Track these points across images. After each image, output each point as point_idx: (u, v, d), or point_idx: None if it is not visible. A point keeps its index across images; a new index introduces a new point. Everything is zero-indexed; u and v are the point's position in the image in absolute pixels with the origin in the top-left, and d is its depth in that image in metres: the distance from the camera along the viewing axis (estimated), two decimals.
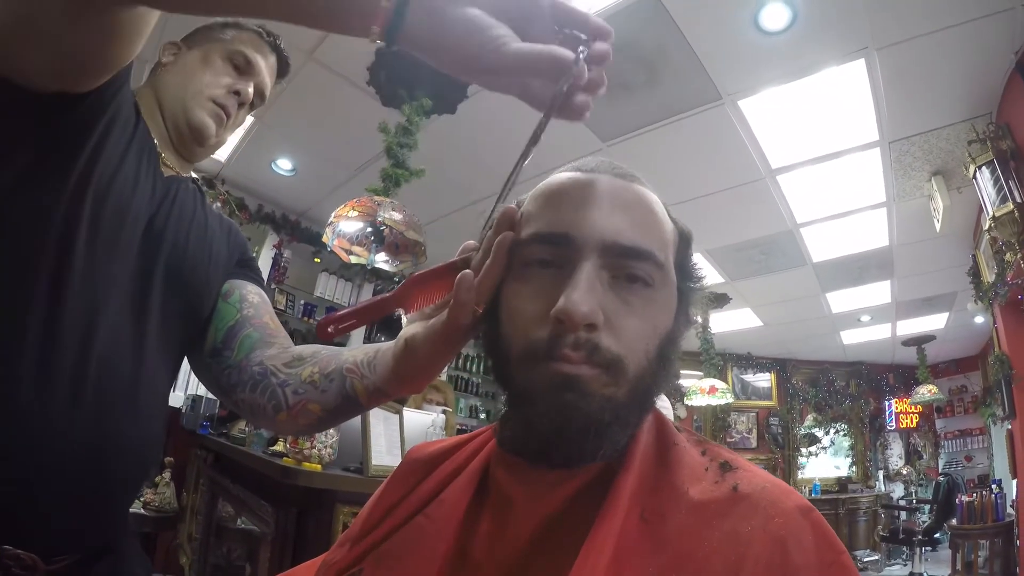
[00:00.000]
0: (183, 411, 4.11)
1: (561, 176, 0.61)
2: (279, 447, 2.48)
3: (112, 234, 0.80)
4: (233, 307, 1.00)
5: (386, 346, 0.77)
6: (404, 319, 0.71)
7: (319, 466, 2.01)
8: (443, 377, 6.37)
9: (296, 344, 0.95)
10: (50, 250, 0.73)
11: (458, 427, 6.16)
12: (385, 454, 2.13)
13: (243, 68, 1.06)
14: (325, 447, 2.06)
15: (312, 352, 0.89)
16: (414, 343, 0.67)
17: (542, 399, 0.52)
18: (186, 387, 4.31)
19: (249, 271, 1.10)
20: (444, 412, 3.08)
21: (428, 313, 0.68)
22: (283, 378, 0.87)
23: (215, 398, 4.05)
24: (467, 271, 0.59)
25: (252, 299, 1.03)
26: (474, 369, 7.10)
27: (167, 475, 3.96)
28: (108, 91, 0.75)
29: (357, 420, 2.22)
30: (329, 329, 0.62)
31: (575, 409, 0.51)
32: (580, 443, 0.51)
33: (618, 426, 0.53)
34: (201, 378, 1.00)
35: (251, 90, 1.06)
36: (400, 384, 0.75)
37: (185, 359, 1.01)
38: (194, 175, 1.08)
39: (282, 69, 1.15)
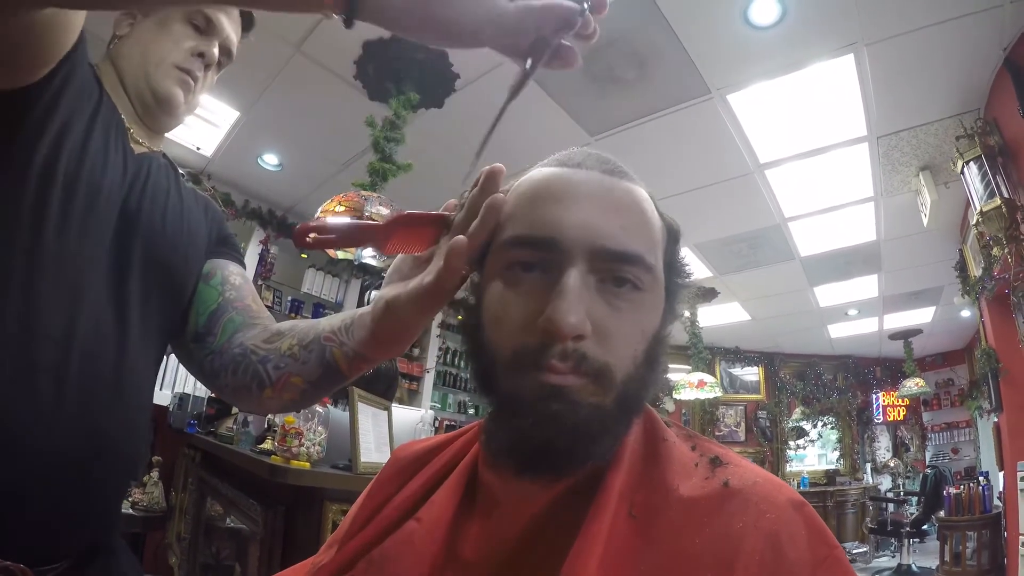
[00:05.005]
0: (170, 409, 4.07)
1: (546, 171, 0.59)
2: (267, 445, 2.46)
3: (84, 217, 0.77)
4: (215, 290, 0.97)
5: (362, 311, 0.76)
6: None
7: (307, 464, 1.99)
8: (430, 373, 6.35)
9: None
10: (22, 239, 0.71)
11: (447, 423, 6.15)
12: (373, 451, 2.12)
13: (204, 28, 0.98)
14: (313, 445, 2.04)
15: (290, 326, 0.88)
16: (396, 304, 0.66)
17: (530, 409, 0.50)
18: (173, 385, 4.27)
19: (229, 248, 1.07)
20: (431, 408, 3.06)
21: (406, 272, 0.67)
22: (263, 355, 0.85)
23: (202, 396, 4.02)
24: (461, 237, 0.57)
25: (234, 280, 1.00)
26: (462, 365, 7.07)
27: (155, 474, 3.93)
28: (57, 77, 0.72)
29: (345, 417, 2.21)
30: (308, 238, 0.59)
31: (563, 420, 0.49)
32: (569, 453, 0.50)
33: (606, 435, 0.52)
34: (184, 364, 0.98)
35: (216, 50, 1.00)
36: (379, 347, 0.74)
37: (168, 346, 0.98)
38: (180, 170, 1.04)
39: (246, 21, 1.08)
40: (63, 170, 0.74)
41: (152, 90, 0.94)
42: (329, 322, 0.81)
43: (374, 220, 0.63)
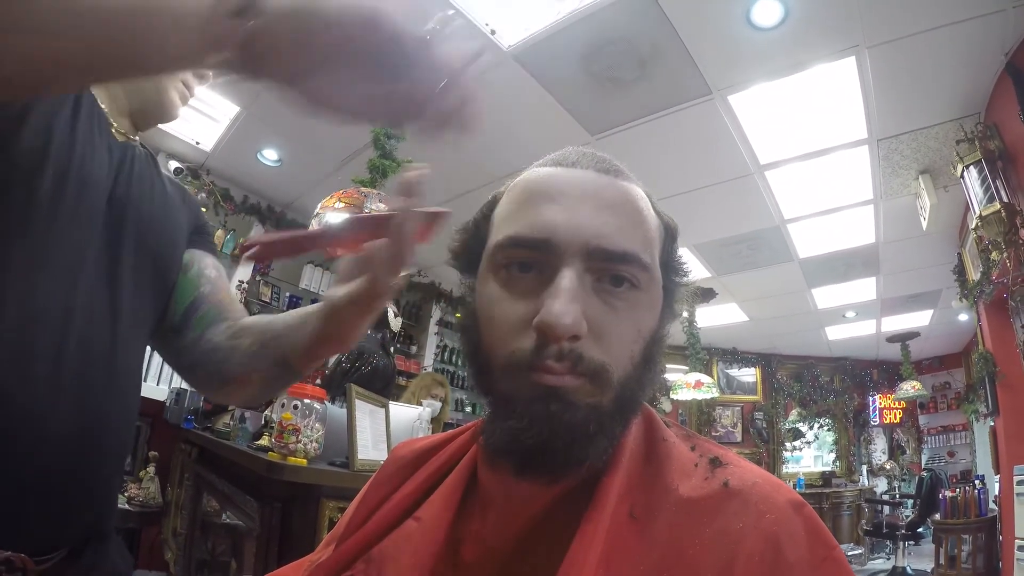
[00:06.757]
0: (167, 404, 4.06)
1: (540, 171, 0.59)
2: (264, 441, 2.45)
3: (76, 206, 0.77)
4: (192, 282, 1.00)
5: (316, 307, 0.78)
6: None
7: (304, 460, 1.98)
8: (428, 371, 6.35)
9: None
10: (14, 227, 0.71)
11: (444, 421, 6.16)
12: (371, 448, 2.11)
13: None
14: (310, 441, 2.03)
15: (253, 322, 0.92)
16: (339, 304, 0.67)
17: (527, 410, 0.50)
18: (170, 380, 4.26)
19: (205, 239, 1.09)
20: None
21: (352, 273, 0.67)
22: (226, 352, 0.89)
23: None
24: (380, 250, 0.59)
25: (209, 273, 1.02)
26: (459, 363, 7.06)
27: (151, 469, 3.93)
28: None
29: (343, 414, 2.20)
30: (251, 252, 0.59)
31: (560, 420, 0.49)
32: (566, 454, 0.50)
33: (604, 435, 0.52)
34: (159, 353, 1.00)
35: None
36: (324, 345, 0.76)
37: None
38: (176, 164, 1.04)
39: None
40: (53, 160, 0.74)
41: (159, 99, 0.95)
42: (285, 319, 0.85)
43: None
